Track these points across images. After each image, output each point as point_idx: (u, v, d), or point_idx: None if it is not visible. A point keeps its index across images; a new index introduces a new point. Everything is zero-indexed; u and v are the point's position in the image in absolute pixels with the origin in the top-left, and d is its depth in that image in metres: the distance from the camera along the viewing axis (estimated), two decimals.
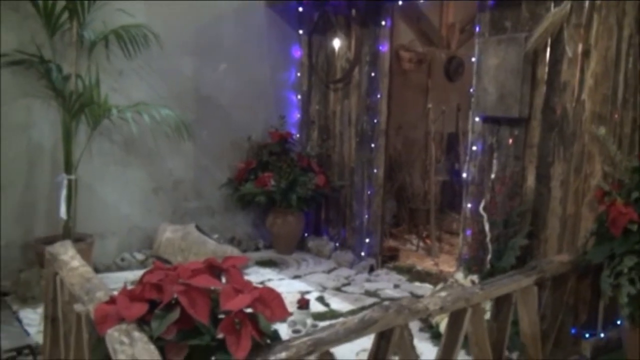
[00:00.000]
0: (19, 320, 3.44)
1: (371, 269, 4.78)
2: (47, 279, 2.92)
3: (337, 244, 5.17)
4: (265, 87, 5.39)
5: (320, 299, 4.05)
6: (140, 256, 4.68)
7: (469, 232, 4.01)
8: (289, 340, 2.09)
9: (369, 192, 4.84)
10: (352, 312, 3.64)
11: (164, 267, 2.35)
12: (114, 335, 1.93)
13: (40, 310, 3.59)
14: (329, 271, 4.75)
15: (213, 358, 2.00)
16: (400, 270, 4.79)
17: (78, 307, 2.34)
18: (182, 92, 4.83)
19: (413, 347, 2.47)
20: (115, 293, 2.32)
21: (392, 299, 2.20)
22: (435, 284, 4.44)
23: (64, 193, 3.96)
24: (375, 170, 4.75)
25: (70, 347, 2.63)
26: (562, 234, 3.43)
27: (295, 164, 5.00)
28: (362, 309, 3.74)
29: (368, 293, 4.25)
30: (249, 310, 2.05)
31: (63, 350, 2.64)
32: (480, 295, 2.65)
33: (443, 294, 2.65)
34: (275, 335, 2.07)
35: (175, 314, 2.00)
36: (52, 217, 4.30)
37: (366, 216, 4.87)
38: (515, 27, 3.61)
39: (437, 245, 5.39)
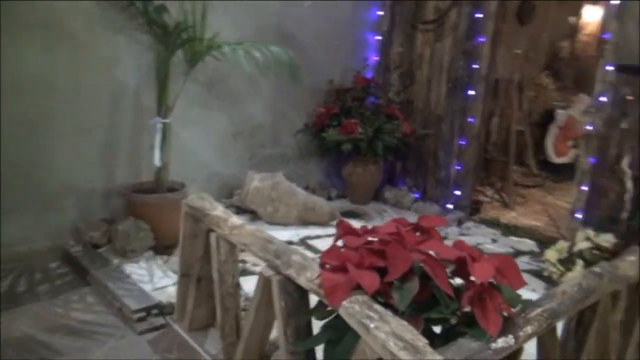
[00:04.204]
0: (127, 276, 3.18)
1: (459, 222, 4.60)
2: (192, 235, 2.66)
3: (420, 195, 4.95)
4: (345, 27, 5.01)
5: None
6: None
7: (584, 187, 3.82)
8: (526, 313, 1.88)
9: (460, 143, 4.59)
10: None
11: (350, 227, 2.11)
12: (355, 309, 1.70)
13: (144, 264, 3.38)
14: None
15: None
16: (488, 224, 4.62)
17: (265, 270, 2.09)
18: (265, 29, 4.44)
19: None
20: (312, 256, 2.09)
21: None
22: (536, 239, 4.31)
23: (158, 138, 3.63)
24: (470, 120, 4.49)
25: (228, 310, 2.41)
26: None
27: (382, 110, 4.70)
28: None
29: None
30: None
31: (220, 313, 2.42)
32: None
33: (632, 257, 2.47)
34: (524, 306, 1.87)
35: (414, 285, 1.77)
36: (135, 163, 4.00)
37: (456, 167, 4.64)
38: None
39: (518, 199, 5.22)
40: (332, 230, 4.24)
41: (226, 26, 4.10)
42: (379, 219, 4.61)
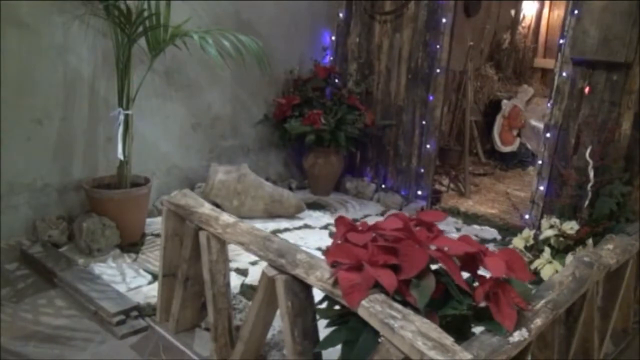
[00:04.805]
0: (98, 277, 3.02)
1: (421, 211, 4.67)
2: (175, 234, 2.55)
3: (380, 185, 4.99)
4: (302, 15, 4.94)
5: None
6: None
7: (544, 176, 3.98)
8: (532, 306, 1.93)
9: (420, 133, 4.66)
10: None
11: (351, 223, 2.09)
12: (376, 309, 1.69)
13: (112, 263, 3.22)
14: (382, 214, 4.59)
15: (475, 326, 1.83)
16: (448, 213, 4.72)
17: (268, 270, 2.04)
18: (223, 16, 4.30)
19: None
20: (320, 257, 2.05)
21: None
22: (495, 226, 4.45)
23: (120, 130, 3.45)
24: (431, 110, 4.55)
25: (221, 311, 2.34)
26: None
27: (343, 101, 4.68)
28: None
29: None
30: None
31: (213, 314, 2.34)
32: None
33: (610, 246, 2.60)
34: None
35: (431, 282, 1.78)
36: (91, 157, 3.79)
37: (417, 158, 4.71)
38: None
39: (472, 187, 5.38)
40: (299, 223, 4.21)
41: (184, 13, 3.93)
42: (343, 210, 4.62)
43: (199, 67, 4.24)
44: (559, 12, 7.91)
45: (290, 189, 5.00)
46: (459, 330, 1.84)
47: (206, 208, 2.42)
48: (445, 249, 1.86)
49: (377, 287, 1.78)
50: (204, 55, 3.71)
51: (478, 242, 3.82)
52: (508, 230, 4.30)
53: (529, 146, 6.86)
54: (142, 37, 3.36)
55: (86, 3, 3.48)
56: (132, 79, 3.46)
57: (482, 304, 1.80)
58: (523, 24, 7.78)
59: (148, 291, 2.94)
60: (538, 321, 1.85)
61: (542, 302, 1.95)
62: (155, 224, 3.91)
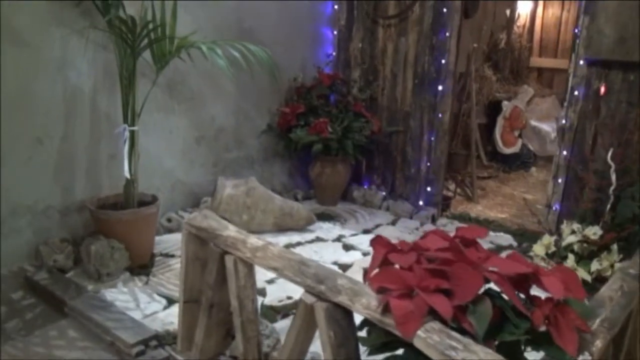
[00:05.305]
0: (111, 304, 2.87)
1: (433, 219, 4.58)
2: (196, 257, 2.41)
3: (389, 193, 4.88)
4: (302, 21, 4.82)
5: None
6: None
7: (561, 180, 3.90)
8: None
9: (429, 139, 4.56)
10: None
11: (390, 243, 1.97)
12: (434, 339, 1.57)
13: (123, 287, 3.08)
14: (393, 223, 4.49)
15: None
16: (460, 219, 4.63)
17: (306, 297, 1.91)
18: (224, 25, 4.17)
19: None
20: (354, 277, 1.92)
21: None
22: (510, 232, 4.35)
23: (126, 148, 3.30)
24: (440, 115, 4.45)
25: (250, 339, 2.21)
26: None
27: (349, 108, 4.57)
28: None
29: None
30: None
31: (242, 342, 2.20)
32: None
33: None
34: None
35: (488, 307, 1.66)
36: (94, 176, 3.63)
37: (426, 164, 4.61)
38: None
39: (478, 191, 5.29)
40: (310, 236, 4.09)
41: (185, 24, 3.80)
42: (353, 221, 4.50)
43: (201, 79, 4.11)
44: (553, 11, 7.90)
45: (296, 199, 4.87)
46: (513, 357, 1.72)
47: (231, 230, 2.28)
48: (496, 269, 1.74)
49: (429, 313, 1.67)
50: (206, 67, 3.60)
51: (494, 249, 3.74)
52: (523, 236, 4.20)
53: (530, 147, 6.80)
54: (146, 49, 3.21)
55: (86, 16, 3.34)
56: (137, 94, 3.31)
57: (542, 328, 1.69)
58: (518, 23, 7.74)
59: (165, 317, 2.80)
60: (598, 343, 1.74)
61: (598, 321, 1.85)
62: (163, 242, 3.77)
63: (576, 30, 3.68)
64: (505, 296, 1.74)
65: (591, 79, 3.67)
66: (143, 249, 3.39)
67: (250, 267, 2.23)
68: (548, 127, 6.88)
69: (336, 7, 4.94)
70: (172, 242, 3.79)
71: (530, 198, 5.38)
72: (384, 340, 1.83)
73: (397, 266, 1.86)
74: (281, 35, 4.65)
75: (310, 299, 1.90)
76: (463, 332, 1.64)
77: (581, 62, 3.68)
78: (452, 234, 1.95)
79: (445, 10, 4.30)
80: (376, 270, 1.87)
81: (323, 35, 5.02)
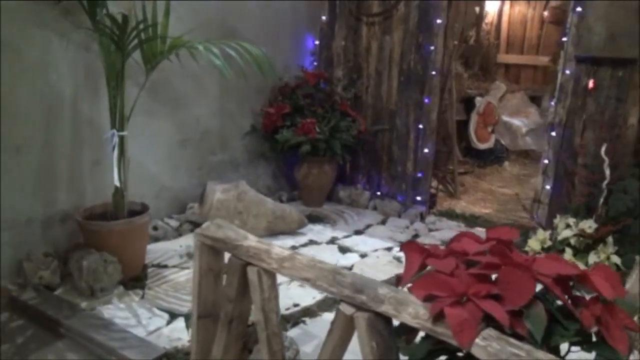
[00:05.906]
0: (110, 322, 2.70)
1: (422, 217, 4.56)
2: (209, 270, 2.28)
3: (375, 193, 4.83)
4: (284, 20, 4.71)
5: None
6: (174, 223, 3.96)
7: (550, 175, 3.94)
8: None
9: (416, 137, 4.53)
10: None
11: (424, 248, 1.91)
12: (495, 347, 1.51)
13: (120, 303, 2.92)
14: (383, 222, 4.44)
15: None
16: (447, 216, 4.63)
17: (345, 308, 1.83)
18: (208, 24, 4.02)
19: None
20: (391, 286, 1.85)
21: None
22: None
23: (115, 154, 3.12)
24: (428, 113, 4.43)
25: (276, 353, 2.11)
26: None
27: (336, 107, 4.50)
28: None
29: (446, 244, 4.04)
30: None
31: (268, 357, 2.10)
32: None
33: None
34: None
35: (541, 312, 1.62)
36: (76, 185, 3.43)
37: (413, 162, 4.58)
38: None
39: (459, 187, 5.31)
40: (303, 239, 3.99)
41: (170, 22, 3.65)
42: (342, 222, 4.43)
43: (185, 80, 3.95)
44: (519, 8, 8.04)
45: (281, 201, 4.76)
46: None
47: (252, 240, 2.17)
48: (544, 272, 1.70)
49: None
50: (190, 67, 3.45)
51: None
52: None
53: (502, 142, 6.90)
54: (136, 49, 3.05)
55: (67, 16, 3.14)
56: (126, 97, 3.14)
57: (594, 329, 1.67)
58: (486, 21, 7.84)
59: (170, 333, 2.66)
60: None
61: (635, 318, 1.84)
62: (152, 252, 3.60)
63: (565, 29, 3.72)
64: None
65: (580, 76, 3.72)
66: (135, 260, 3.22)
67: (273, 278, 2.13)
68: (519, 122, 7.00)
69: (318, 3, 4.83)
70: (161, 251, 3.64)
71: (509, 192, 5.45)
72: (430, 348, 1.77)
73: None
74: (265, 34, 4.51)
75: (349, 310, 1.81)
76: (517, 338, 1.60)
77: (570, 59, 3.72)
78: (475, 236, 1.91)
79: (431, 8, 4.27)
80: (415, 278, 1.81)
81: (305, 33, 4.92)
